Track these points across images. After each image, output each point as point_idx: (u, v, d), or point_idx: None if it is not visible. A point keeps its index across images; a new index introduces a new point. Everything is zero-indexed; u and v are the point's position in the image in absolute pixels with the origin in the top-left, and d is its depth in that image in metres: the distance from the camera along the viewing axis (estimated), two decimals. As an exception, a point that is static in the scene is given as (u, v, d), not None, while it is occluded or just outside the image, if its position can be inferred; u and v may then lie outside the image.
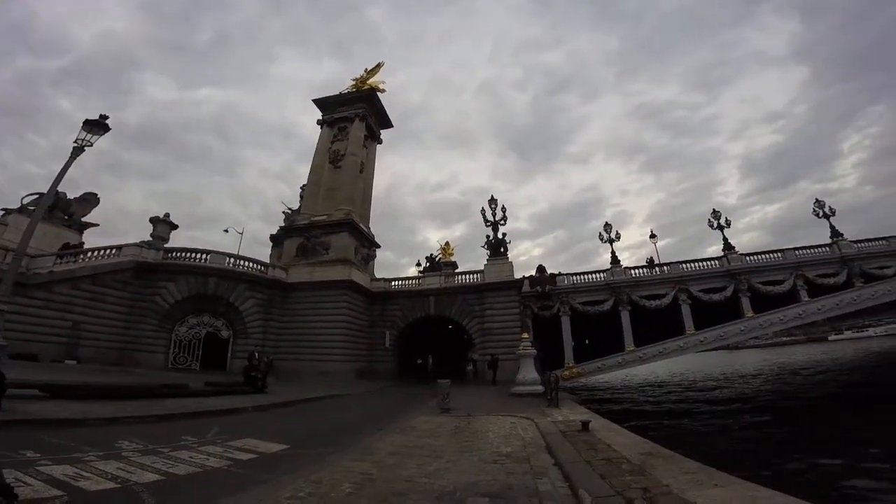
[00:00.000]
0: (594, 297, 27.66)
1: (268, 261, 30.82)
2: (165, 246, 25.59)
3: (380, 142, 42.34)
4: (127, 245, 24.16)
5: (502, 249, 29.24)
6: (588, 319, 27.60)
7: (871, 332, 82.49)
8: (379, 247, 37.41)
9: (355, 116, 37.17)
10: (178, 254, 25.57)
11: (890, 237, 27.64)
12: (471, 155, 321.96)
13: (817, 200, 28.96)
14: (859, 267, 26.28)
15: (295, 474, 6.20)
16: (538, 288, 28.08)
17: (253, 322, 25.34)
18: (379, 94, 39.75)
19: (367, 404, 17.29)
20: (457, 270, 35.01)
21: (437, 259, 42.81)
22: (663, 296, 26.56)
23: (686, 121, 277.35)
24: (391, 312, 30.45)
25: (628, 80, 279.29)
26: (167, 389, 13.98)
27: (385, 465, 6.88)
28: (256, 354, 18.92)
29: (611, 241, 29.26)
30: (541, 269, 29.15)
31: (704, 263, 27.95)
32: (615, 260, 28.59)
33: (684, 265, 28.06)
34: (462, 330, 29.30)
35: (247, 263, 26.79)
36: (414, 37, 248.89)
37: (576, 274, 29.38)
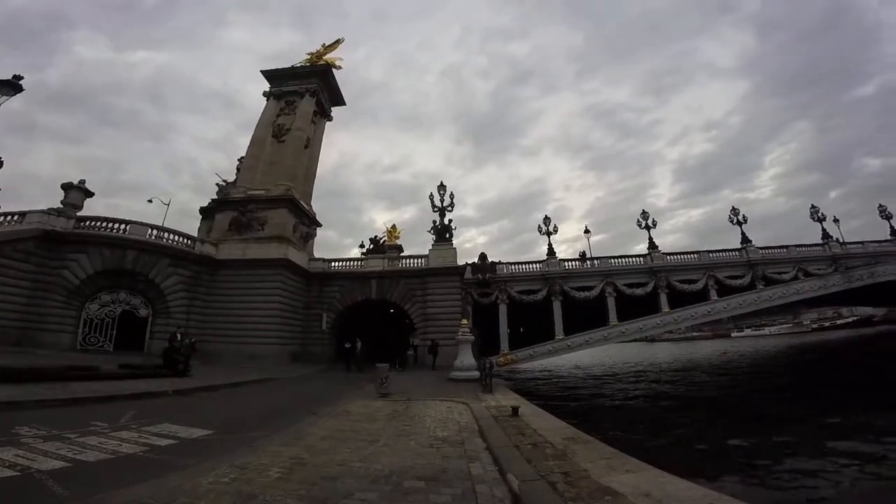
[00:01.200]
0: (530, 287, 28.90)
1: (196, 235, 28.79)
2: (78, 214, 23.00)
3: (330, 119, 40.79)
4: (32, 212, 21.45)
5: (447, 235, 29.52)
6: (524, 308, 28.81)
7: (766, 330, 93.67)
8: (320, 225, 36.27)
9: (306, 91, 35.57)
10: (93, 223, 23.06)
11: (789, 246, 31.34)
12: (426, 138, 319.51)
13: (734, 208, 31.96)
14: (762, 271, 29.54)
15: (218, 459, 5.99)
16: (479, 275, 28.77)
17: (176, 301, 23.63)
18: (335, 70, 38.30)
19: (301, 389, 16.91)
20: (402, 254, 34.92)
21: (381, 241, 42.32)
22: (592, 288, 28.32)
23: (633, 123, 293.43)
24: (330, 294, 29.77)
25: (586, 79, 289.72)
26: (74, 372, 12.81)
27: (317, 449, 6.81)
28: (178, 336, 17.85)
29: (548, 234, 30.61)
30: (483, 257, 29.86)
31: (630, 260, 30.14)
32: (551, 252, 29.96)
33: (613, 260, 30.10)
34: (404, 315, 29.39)
35: (171, 237, 24.80)
36: (381, 12, 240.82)
37: (515, 263, 30.49)
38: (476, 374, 17.77)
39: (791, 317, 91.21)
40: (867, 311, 72.92)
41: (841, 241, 32.16)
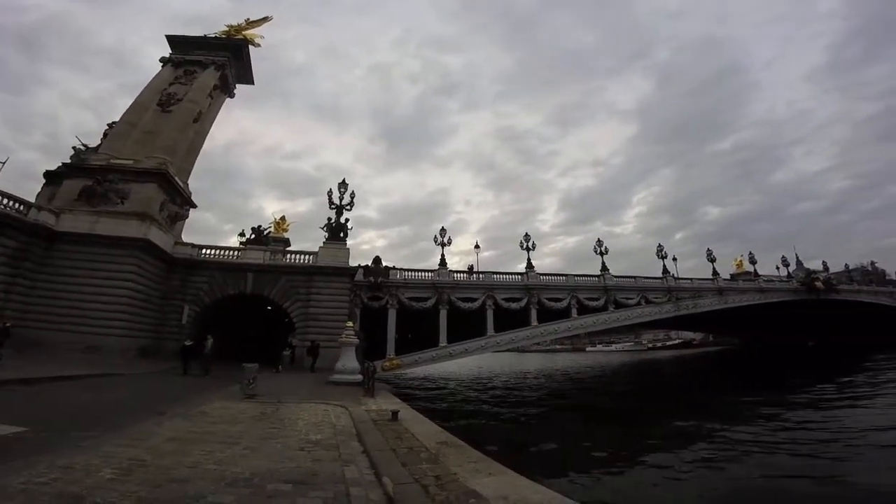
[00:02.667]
0: (421, 294, 29.51)
1: (33, 200, 23.59)
2: None
3: (231, 96, 37.18)
4: None
5: (342, 235, 28.58)
6: (413, 314, 29.24)
7: (613, 347, 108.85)
8: (195, 206, 32.38)
9: (211, 64, 32.19)
10: None
11: (636, 277, 37.01)
12: (340, 132, 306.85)
13: (599, 240, 36.90)
14: (614, 296, 34.37)
15: (34, 459, 5.16)
16: (371, 279, 28.43)
17: (-9, 276, 19.00)
18: (252, 47, 35.27)
19: (148, 386, 14.89)
20: (288, 248, 32.81)
21: (266, 232, 39.23)
22: (475, 300, 30.06)
23: (535, 150, 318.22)
24: (196, 284, 26.54)
25: (505, 102, 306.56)
26: None
27: (163, 451, 6.14)
28: (-16, 317, 14.31)
29: (443, 245, 31.74)
30: (377, 260, 29.61)
31: (510, 277, 32.74)
32: (443, 263, 31.06)
33: (495, 276, 32.43)
34: (283, 313, 27.53)
35: (-4, 198, 19.93)
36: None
37: (408, 270, 30.88)
38: (359, 377, 17.38)
39: (633, 336, 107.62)
40: (689, 335, 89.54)
41: (676, 276, 39.04)
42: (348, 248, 28.47)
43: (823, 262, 51.71)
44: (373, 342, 26.96)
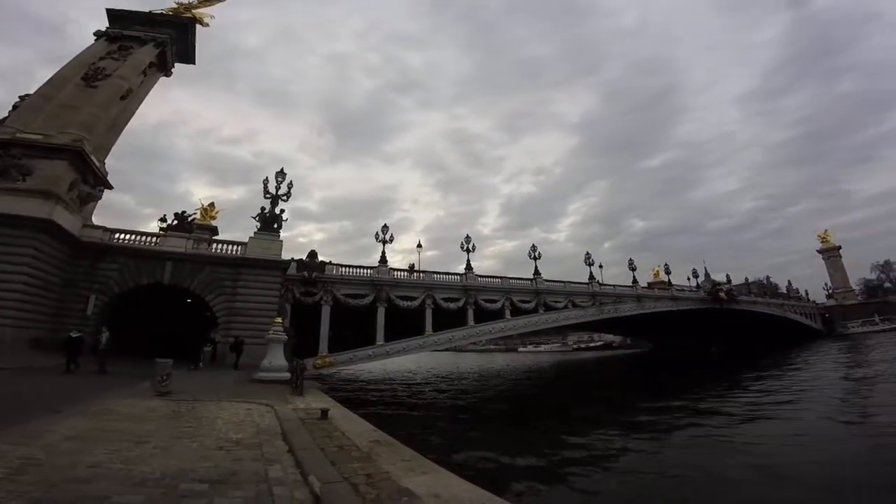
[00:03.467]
0: (358, 291, 28.95)
1: None
2: None
3: (168, 74, 34.17)
4: None
5: (276, 226, 27.23)
6: (350, 312, 28.61)
7: (543, 347, 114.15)
8: (110, 187, 29.30)
9: (151, 40, 29.63)
10: None
11: (565, 282, 39.17)
12: (285, 119, 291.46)
13: (533, 246, 38.63)
14: (544, 299, 36.10)
15: None
16: (305, 273, 27.41)
17: None
18: (200, 26, 32.62)
19: (41, 382, 13.30)
20: (215, 237, 30.67)
21: (191, 219, 36.38)
22: (415, 299, 30.14)
23: (484, 155, 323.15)
24: (105, 272, 23.92)
25: (460, 104, 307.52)
26: None
27: (60, 450, 5.61)
28: None
29: (384, 242, 31.37)
30: (312, 254, 28.61)
31: (450, 277, 33.20)
32: (384, 260, 30.72)
33: (436, 276, 32.69)
34: (205, 307, 25.68)
35: None
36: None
37: (346, 266, 30.14)
38: (286, 375, 16.78)
39: (561, 337, 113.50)
40: (610, 337, 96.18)
41: (600, 283, 41.79)
42: (281, 241, 27.20)
43: (727, 274, 58.07)
44: (305, 339, 26.04)
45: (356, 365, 30.37)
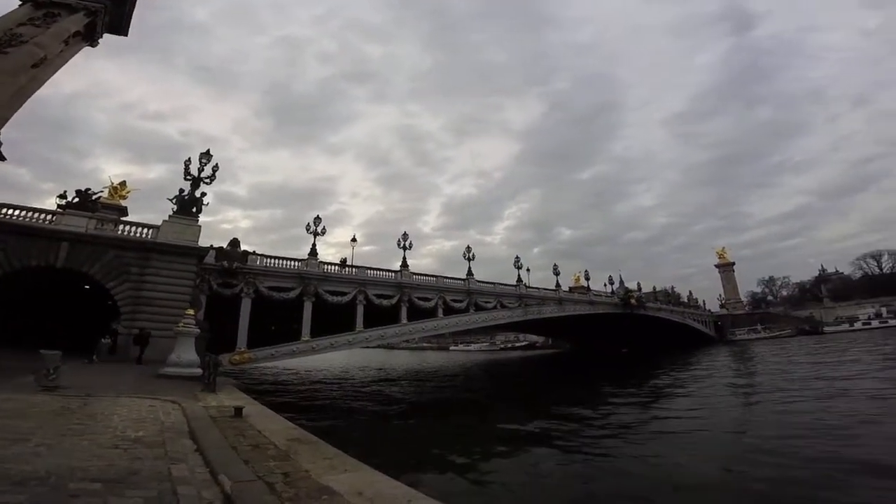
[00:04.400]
0: (283, 284, 27.56)
1: None
2: None
3: (94, 45, 29.93)
4: None
5: (195, 209, 25.04)
6: (274, 306, 27.16)
7: (473, 346, 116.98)
8: (3, 159, 25.24)
9: (83, 9, 25.89)
10: None
11: (495, 283, 40.46)
12: (222, 99, 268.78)
13: (468, 247, 39.51)
14: (476, 299, 37.05)
15: None
16: (225, 263, 25.58)
17: None
18: None
19: None
20: (123, 219, 27.59)
21: (96, 197, 32.39)
22: (346, 294, 29.32)
23: (431, 154, 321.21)
24: (-18, 251, 20.62)
25: (413, 100, 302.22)
26: None
27: None
28: None
29: (315, 234, 30.18)
30: (234, 242, 26.79)
31: (384, 274, 32.72)
32: (314, 252, 29.55)
33: (369, 271, 31.97)
34: (106, 294, 22.97)
35: None
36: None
37: (271, 257, 28.55)
38: (197, 371, 15.68)
39: (489, 337, 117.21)
40: (533, 338, 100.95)
41: (527, 285, 43.69)
42: (200, 226, 25.05)
43: (638, 283, 63.85)
44: (222, 334, 24.36)
45: (279, 361, 28.98)
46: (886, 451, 11.86)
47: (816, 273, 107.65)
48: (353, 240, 37.30)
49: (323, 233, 30.64)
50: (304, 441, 7.23)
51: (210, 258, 25.26)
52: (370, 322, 29.98)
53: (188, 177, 25.22)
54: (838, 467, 10.70)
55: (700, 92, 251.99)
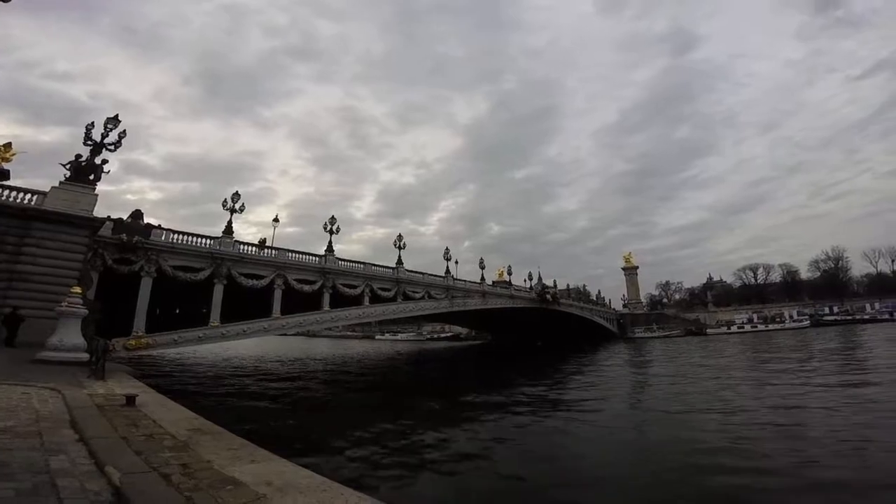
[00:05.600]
0: (192, 263, 25.25)
1: None
2: None
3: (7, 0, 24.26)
4: None
5: (92, 177, 22.01)
6: (181, 287, 24.87)
7: (399, 336, 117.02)
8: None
9: None
10: None
11: (423, 273, 40.77)
12: (147, 63, 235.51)
13: (399, 235, 39.35)
14: (404, 289, 37.07)
15: None
16: (123, 236, 22.88)
17: None
18: None
19: None
20: (2, 182, 23.39)
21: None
22: (263, 277, 27.57)
23: (371, 139, 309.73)
24: None
25: (360, 83, 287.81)
26: None
27: None
28: None
29: (232, 211, 28.01)
30: (136, 214, 24.06)
31: (306, 258, 31.08)
32: (229, 231, 27.43)
33: (290, 254, 30.17)
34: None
35: None
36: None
37: (180, 232, 25.87)
38: (83, 355, 14.22)
39: (416, 327, 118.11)
40: (458, 329, 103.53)
41: (454, 277, 44.63)
42: (97, 195, 22.07)
43: (554, 280, 67.96)
44: (119, 316, 21.93)
45: (183, 348, 26.73)
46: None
47: (705, 280, 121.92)
48: (276, 220, 35.23)
49: (241, 210, 28.48)
50: (206, 431, 6.97)
51: (107, 231, 22.44)
52: (290, 308, 28.67)
53: (89, 142, 22.16)
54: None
55: (631, 106, 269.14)
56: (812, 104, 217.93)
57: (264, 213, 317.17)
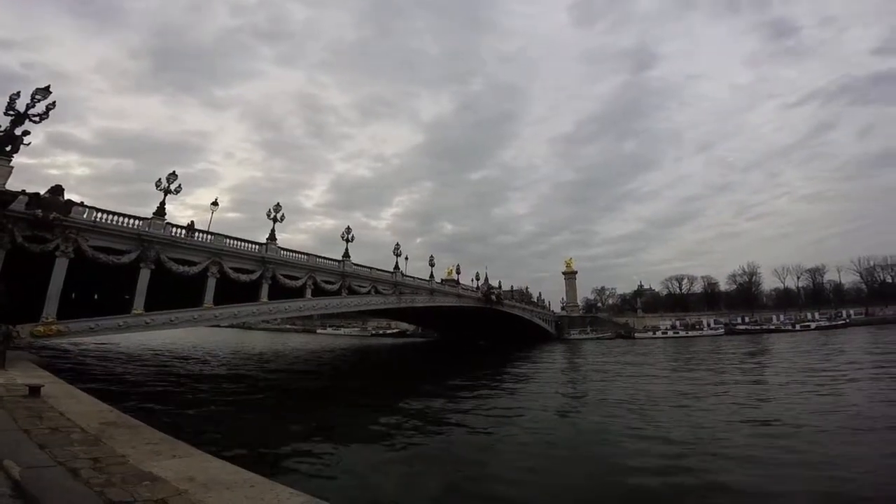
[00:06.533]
0: (116, 245, 23.23)
1: None
2: None
3: None
4: None
5: (9, 148, 19.69)
6: (102, 270, 22.89)
7: (342, 331, 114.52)
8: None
9: None
10: None
11: (371, 267, 40.33)
12: (96, 35, 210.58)
13: (348, 227, 38.51)
14: (350, 282, 36.43)
15: None
16: (38, 211, 20.71)
17: None
18: None
19: None
20: None
21: None
22: (196, 264, 25.88)
23: (329, 128, 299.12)
24: None
25: (326, 71, 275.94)
26: None
27: None
28: None
29: (167, 192, 26.11)
30: (56, 189, 21.79)
31: (245, 245, 29.32)
32: (161, 212, 25.52)
33: (228, 241, 28.34)
34: None
35: None
36: None
37: (105, 211, 23.67)
38: (-21, 342, 12.66)
39: (361, 322, 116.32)
40: (405, 326, 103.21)
41: (404, 274, 44.58)
42: (12, 167, 19.78)
43: (500, 281, 70.46)
44: (28, 299, 19.90)
45: (102, 336, 24.74)
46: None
47: (636, 288, 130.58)
48: (215, 203, 33.23)
49: (177, 191, 26.57)
50: (121, 425, 6.71)
51: (19, 206, 20.21)
52: (225, 298, 27.19)
53: (10, 111, 19.87)
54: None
55: (587, 118, 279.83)
56: (748, 127, 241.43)
57: (204, 196, 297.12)
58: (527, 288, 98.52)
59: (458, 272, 59.86)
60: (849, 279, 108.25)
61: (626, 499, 9.96)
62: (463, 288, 58.29)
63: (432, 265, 50.77)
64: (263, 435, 13.77)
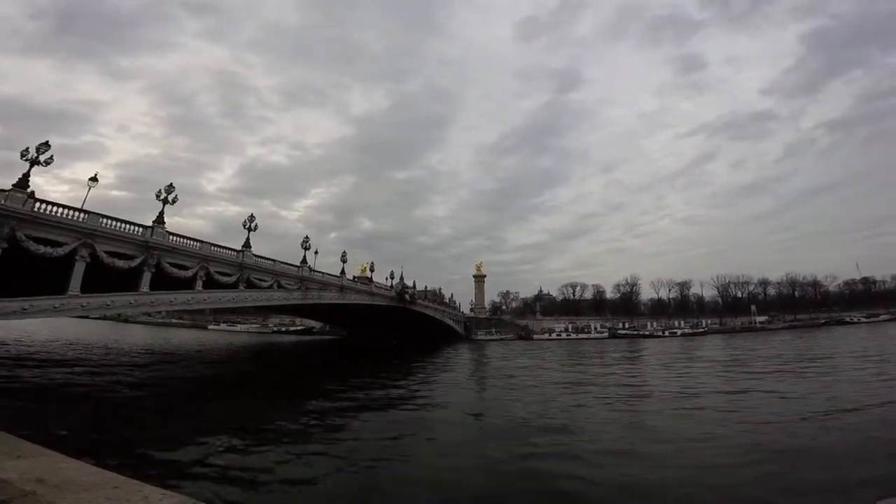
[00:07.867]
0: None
1: None
2: None
3: None
4: None
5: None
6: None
7: (239, 327, 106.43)
8: None
9: None
10: None
11: (275, 260, 38.12)
12: None
13: (252, 216, 35.76)
14: (249, 275, 33.99)
15: None
16: None
17: None
18: None
19: None
20: None
21: None
22: (62, 245, 22.38)
23: (248, 109, 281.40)
24: None
25: (255, 50, 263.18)
26: None
27: None
28: None
29: (34, 162, 22.11)
30: None
31: (124, 227, 25.76)
32: (24, 184, 21.55)
33: (103, 220, 24.66)
34: None
35: None
36: None
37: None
38: None
39: (261, 318, 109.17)
40: (311, 323, 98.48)
41: (312, 268, 42.81)
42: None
43: (414, 281, 70.94)
44: None
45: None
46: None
47: (536, 293, 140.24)
48: (94, 178, 28.88)
49: (48, 163, 22.63)
50: None
51: None
52: (99, 286, 23.85)
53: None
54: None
55: (510, 131, 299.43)
56: (646, 153, 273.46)
57: (86, 170, 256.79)
58: (440, 289, 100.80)
59: (371, 270, 58.99)
60: (709, 293, 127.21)
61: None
62: (376, 286, 57.69)
63: (344, 261, 49.50)
64: (138, 435, 12.66)
